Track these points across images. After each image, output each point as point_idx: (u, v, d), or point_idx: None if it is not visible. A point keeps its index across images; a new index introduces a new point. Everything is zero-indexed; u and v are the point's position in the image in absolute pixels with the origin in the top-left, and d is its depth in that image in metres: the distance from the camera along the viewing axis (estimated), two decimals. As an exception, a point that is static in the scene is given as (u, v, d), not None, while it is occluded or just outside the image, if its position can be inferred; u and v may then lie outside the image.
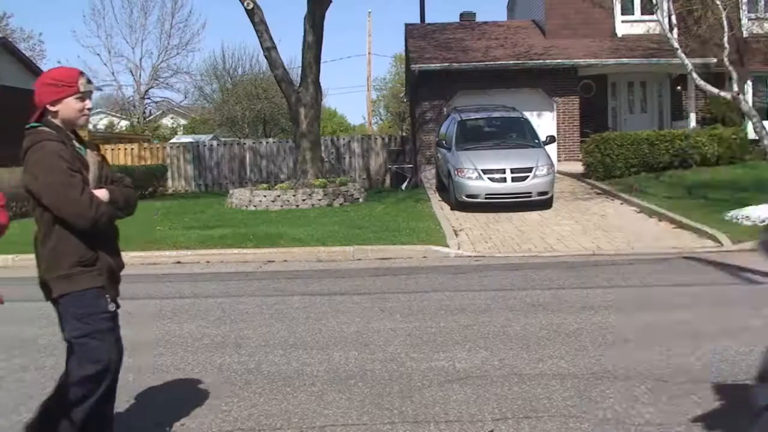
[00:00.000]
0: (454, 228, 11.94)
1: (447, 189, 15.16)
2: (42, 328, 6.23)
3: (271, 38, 16.83)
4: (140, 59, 41.50)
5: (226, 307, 7.08)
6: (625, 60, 19.86)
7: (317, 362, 5.11)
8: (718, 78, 18.79)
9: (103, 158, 3.40)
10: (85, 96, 3.25)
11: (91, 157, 3.30)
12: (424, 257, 10.00)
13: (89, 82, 3.27)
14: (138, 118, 40.92)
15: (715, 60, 18.52)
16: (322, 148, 20.26)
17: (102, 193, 3.19)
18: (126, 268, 3.51)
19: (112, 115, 44.16)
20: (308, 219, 13.30)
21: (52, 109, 3.20)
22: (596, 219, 12.50)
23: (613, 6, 20.63)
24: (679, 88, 21.32)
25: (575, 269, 8.72)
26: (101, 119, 43.10)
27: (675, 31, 18.99)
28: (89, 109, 3.28)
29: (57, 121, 3.21)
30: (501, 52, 20.80)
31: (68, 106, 3.20)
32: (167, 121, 45.87)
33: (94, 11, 59.93)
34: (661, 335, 5.55)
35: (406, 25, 24.28)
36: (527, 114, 17.04)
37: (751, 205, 11.70)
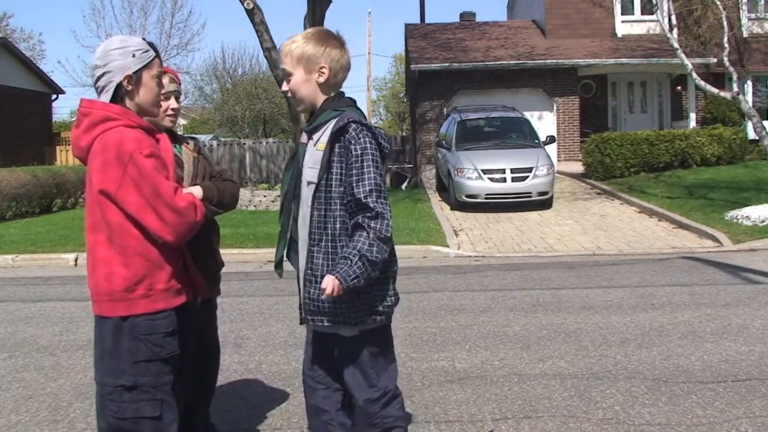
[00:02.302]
0: (454, 228, 11.95)
1: (447, 189, 15.16)
2: (41, 328, 6.24)
3: (271, 38, 16.80)
4: (140, 59, 41.39)
5: (226, 306, 7.05)
6: (625, 60, 19.85)
7: (317, 362, 5.09)
8: (718, 78, 18.81)
9: (199, 154, 3.29)
10: (168, 95, 3.11)
11: (185, 154, 3.21)
12: (424, 257, 9.99)
13: (173, 81, 3.15)
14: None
15: (715, 60, 18.55)
16: (323, 148, 20.18)
17: (195, 191, 3.07)
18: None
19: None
20: (308, 219, 13.24)
21: None
22: (596, 219, 12.51)
23: (613, 6, 20.64)
24: (679, 88, 21.32)
25: (575, 269, 8.72)
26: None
27: (675, 31, 19.02)
28: (174, 109, 3.16)
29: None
30: (501, 52, 20.79)
31: None
32: (167, 121, 45.74)
33: (94, 11, 59.85)
34: (661, 335, 5.55)
35: (406, 25, 24.27)
36: (527, 114, 17.05)
37: (751, 205, 11.72)
